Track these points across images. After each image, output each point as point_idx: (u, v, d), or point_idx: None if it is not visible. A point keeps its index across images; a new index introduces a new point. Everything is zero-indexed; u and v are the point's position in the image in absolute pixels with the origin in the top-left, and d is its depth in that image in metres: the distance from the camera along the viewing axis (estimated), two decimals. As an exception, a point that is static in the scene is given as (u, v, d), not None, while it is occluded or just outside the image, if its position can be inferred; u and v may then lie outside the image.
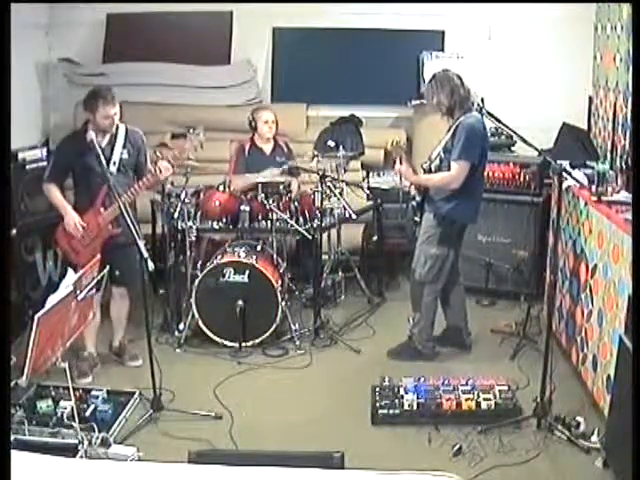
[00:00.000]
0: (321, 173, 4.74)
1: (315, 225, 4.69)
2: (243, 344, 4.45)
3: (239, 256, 4.55)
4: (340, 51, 6.15)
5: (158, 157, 4.11)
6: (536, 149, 3.74)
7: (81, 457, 2.99)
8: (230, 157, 5.37)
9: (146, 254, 3.42)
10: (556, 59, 5.90)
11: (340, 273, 5.37)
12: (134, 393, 3.80)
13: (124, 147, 4.03)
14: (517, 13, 5.97)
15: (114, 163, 3.99)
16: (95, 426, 3.22)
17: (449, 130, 4.09)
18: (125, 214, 3.56)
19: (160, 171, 3.98)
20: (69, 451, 3.01)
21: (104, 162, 3.81)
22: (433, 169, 4.16)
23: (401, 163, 4.18)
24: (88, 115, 3.96)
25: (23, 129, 5.14)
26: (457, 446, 3.34)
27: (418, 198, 4.31)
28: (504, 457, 3.29)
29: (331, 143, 5.58)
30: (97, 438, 3.12)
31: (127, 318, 4.32)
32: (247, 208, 4.63)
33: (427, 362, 4.29)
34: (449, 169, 4.04)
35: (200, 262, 4.82)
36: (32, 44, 5.81)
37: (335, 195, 4.85)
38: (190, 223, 4.57)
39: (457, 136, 3.98)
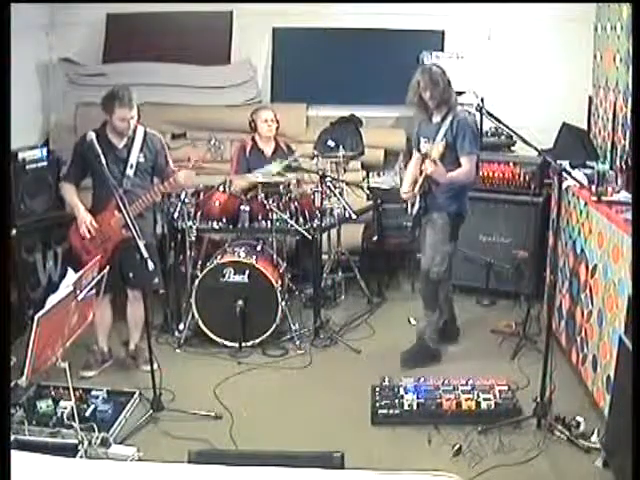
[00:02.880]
0: (321, 173, 4.74)
1: (315, 225, 4.69)
2: (243, 344, 4.45)
3: (239, 256, 4.55)
4: (340, 51, 6.14)
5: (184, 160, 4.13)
6: (536, 149, 3.74)
7: (81, 457, 2.99)
8: (231, 157, 5.37)
9: (146, 254, 3.42)
10: (556, 59, 5.89)
11: (340, 273, 5.38)
12: (134, 393, 3.80)
13: (141, 150, 4.02)
14: (517, 13, 5.96)
15: (131, 166, 3.99)
16: (95, 426, 3.22)
17: (438, 127, 4.09)
18: (127, 217, 3.54)
19: (181, 178, 4.01)
20: (69, 451, 3.02)
21: (123, 165, 3.89)
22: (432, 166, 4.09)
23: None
24: (106, 116, 3.96)
25: (23, 129, 5.14)
26: (457, 446, 3.34)
27: (418, 201, 4.22)
28: (504, 457, 3.29)
29: (331, 143, 5.58)
30: (97, 438, 3.13)
31: (143, 321, 4.26)
32: (247, 208, 4.63)
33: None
34: (457, 164, 4.05)
35: (200, 262, 4.82)
36: (32, 44, 5.81)
37: (335, 195, 4.85)
38: (190, 223, 4.57)
39: (460, 132, 4.03)
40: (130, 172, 3.99)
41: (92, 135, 3.91)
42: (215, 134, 4.47)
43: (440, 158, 4.08)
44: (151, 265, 3.42)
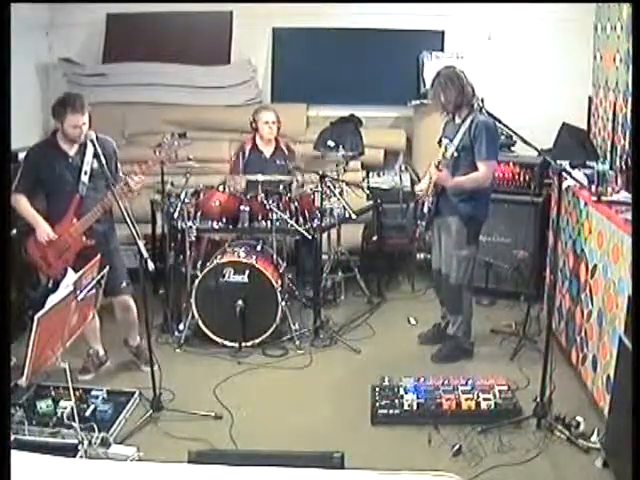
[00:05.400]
0: (321, 173, 4.74)
1: (315, 225, 4.69)
2: (243, 344, 4.45)
3: (239, 256, 4.55)
4: (340, 51, 6.15)
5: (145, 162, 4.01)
6: (536, 149, 3.74)
7: (81, 457, 2.99)
8: (231, 157, 5.37)
9: (146, 254, 3.41)
10: (556, 59, 5.90)
11: (340, 273, 5.37)
12: (134, 393, 3.80)
13: (94, 156, 3.84)
14: (517, 13, 5.97)
15: (85, 172, 3.86)
16: (95, 426, 3.21)
17: (458, 128, 4.08)
18: (126, 216, 3.52)
19: (129, 184, 3.83)
20: (69, 451, 3.01)
21: (77, 171, 3.77)
22: (447, 168, 4.09)
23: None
24: (56, 123, 3.84)
25: (23, 129, 5.13)
26: (457, 446, 3.34)
27: (429, 201, 4.23)
28: (504, 457, 3.29)
29: (331, 143, 5.58)
30: (97, 438, 3.12)
31: (136, 319, 4.21)
32: (247, 208, 4.63)
33: (434, 362, 4.33)
34: (473, 168, 4.03)
35: (200, 262, 4.82)
36: (32, 44, 5.81)
37: (335, 195, 4.85)
38: (190, 223, 4.57)
39: (478, 135, 3.99)
40: (85, 178, 3.85)
41: (43, 144, 3.89)
42: (187, 131, 4.34)
43: (455, 161, 4.08)
44: (151, 265, 3.41)
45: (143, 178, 3.93)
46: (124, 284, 4.06)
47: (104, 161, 3.88)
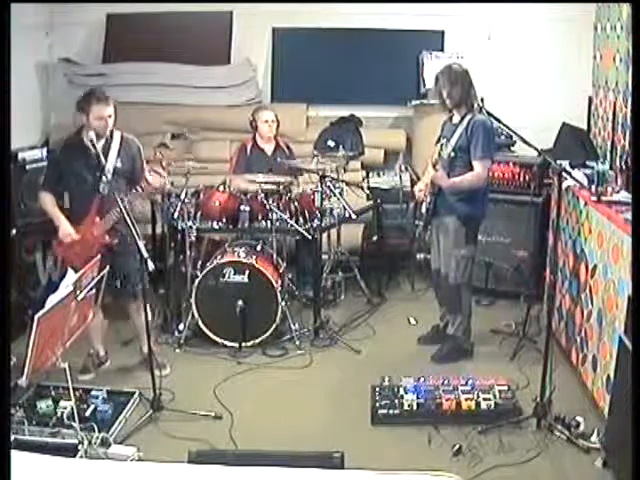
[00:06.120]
0: (321, 173, 4.73)
1: (315, 225, 4.70)
2: (243, 344, 4.45)
3: (239, 256, 4.55)
4: (340, 51, 6.15)
5: (155, 161, 4.05)
6: (536, 149, 3.74)
7: (81, 457, 2.99)
8: (231, 157, 5.37)
9: (146, 254, 3.41)
10: (556, 59, 5.90)
11: (340, 273, 5.37)
12: (134, 393, 3.80)
13: (118, 155, 3.89)
14: (517, 13, 5.97)
15: (108, 171, 3.87)
16: (95, 426, 3.22)
17: (455, 127, 4.08)
18: (128, 219, 3.53)
19: (153, 181, 3.91)
20: (69, 451, 3.01)
21: (102, 168, 3.79)
22: (444, 168, 4.10)
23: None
24: (82, 117, 3.84)
25: (23, 129, 5.14)
26: (457, 446, 3.34)
27: (427, 201, 4.23)
28: (504, 457, 3.29)
29: (331, 143, 5.58)
30: (97, 438, 3.12)
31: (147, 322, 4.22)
32: (247, 208, 4.63)
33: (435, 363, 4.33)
34: (469, 167, 4.04)
35: (200, 262, 4.82)
36: (32, 44, 5.81)
37: (335, 195, 4.84)
38: (190, 223, 4.57)
39: (475, 135, 4.00)
40: (108, 177, 3.86)
41: (68, 141, 3.92)
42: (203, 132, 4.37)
43: (452, 160, 4.08)
44: (151, 265, 3.41)
45: (165, 174, 3.99)
46: (139, 287, 4.05)
47: (130, 161, 3.96)
